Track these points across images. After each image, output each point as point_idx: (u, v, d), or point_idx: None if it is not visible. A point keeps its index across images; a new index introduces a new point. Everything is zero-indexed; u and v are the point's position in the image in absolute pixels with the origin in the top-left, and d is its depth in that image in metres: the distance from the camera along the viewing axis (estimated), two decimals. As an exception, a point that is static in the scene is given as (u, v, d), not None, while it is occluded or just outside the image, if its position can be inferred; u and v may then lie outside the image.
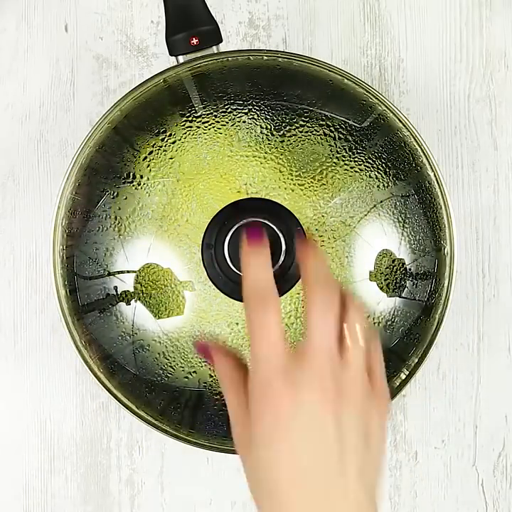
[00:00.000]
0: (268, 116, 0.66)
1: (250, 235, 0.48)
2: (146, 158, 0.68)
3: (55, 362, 0.82)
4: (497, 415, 0.83)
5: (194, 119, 0.66)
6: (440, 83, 0.83)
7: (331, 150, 0.65)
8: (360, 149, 0.66)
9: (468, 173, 0.83)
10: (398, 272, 0.66)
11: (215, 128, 0.66)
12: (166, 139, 0.67)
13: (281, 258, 0.60)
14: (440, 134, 0.83)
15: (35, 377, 0.82)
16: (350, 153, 0.65)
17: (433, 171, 0.67)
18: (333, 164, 0.65)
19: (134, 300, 0.68)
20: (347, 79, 0.69)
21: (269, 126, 0.65)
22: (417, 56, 0.84)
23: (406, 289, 0.67)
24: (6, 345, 0.82)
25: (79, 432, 0.82)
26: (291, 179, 0.64)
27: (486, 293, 0.83)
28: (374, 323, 0.63)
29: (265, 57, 0.71)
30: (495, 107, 0.83)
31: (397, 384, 0.68)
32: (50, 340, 0.82)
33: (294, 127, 0.65)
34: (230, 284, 0.62)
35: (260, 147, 0.65)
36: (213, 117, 0.66)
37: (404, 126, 0.69)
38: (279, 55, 0.70)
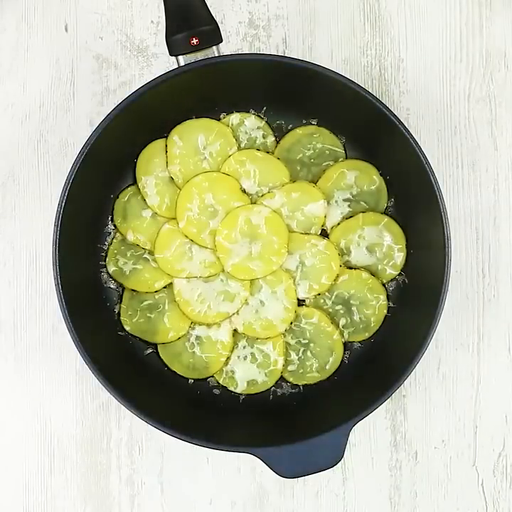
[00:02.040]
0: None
1: None
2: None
3: (55, 362, 0.82)
4: (497, 415, 0.83)
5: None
6: (440, 83, 0.83)
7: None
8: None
9: (468, 173, 0.83)
10: None
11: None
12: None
13: None
14: (440, 134, 0.83)
15: (35, 377, 0.82)
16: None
17: None
18: None
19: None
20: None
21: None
22: (417, 56, 0.84)
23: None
24: (6, 346, 0.82)
25: (79, 432, 0.82)
26: None
27: (486, 293, 0.83)
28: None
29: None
30: (495, 107, 0.83)
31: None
32: (50, 341, 0.82)
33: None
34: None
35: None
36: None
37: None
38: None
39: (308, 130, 0.81)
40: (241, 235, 0.79)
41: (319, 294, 0.80)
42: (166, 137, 0.80)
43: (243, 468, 0.82)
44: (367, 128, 0.76)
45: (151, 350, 0.80)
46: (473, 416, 0.82)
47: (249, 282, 0.79)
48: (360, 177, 0.80)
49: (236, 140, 0.81)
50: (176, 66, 0.73)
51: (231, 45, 0.83)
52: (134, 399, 0.72)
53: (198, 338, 0.80)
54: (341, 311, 0.80)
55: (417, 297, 0.78)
